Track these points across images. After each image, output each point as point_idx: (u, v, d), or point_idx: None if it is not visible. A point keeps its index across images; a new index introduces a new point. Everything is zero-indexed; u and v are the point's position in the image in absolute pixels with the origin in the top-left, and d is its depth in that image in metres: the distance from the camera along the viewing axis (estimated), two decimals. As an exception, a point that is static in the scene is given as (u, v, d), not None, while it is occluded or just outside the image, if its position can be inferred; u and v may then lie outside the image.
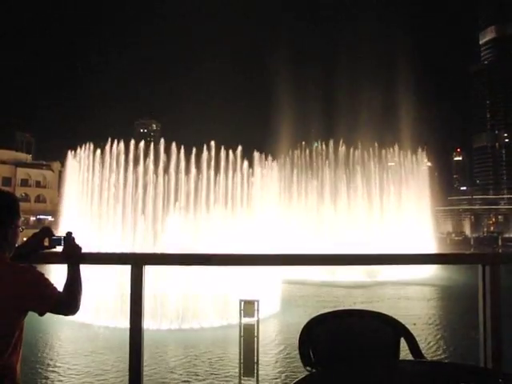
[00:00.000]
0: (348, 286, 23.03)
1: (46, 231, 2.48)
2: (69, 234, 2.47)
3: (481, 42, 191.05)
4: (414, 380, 2.32)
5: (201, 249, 19.40)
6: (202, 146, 23.73)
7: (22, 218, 2.35)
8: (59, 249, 2.45)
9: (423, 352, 2.76)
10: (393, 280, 25.13)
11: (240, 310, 3.15)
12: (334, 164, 37.22)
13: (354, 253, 3.45)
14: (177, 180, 22.55)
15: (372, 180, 36.63)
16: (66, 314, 2.29)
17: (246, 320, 3.11)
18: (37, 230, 2.49)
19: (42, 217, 59.46)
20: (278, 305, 15.68)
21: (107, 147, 22.54)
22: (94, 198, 21.44)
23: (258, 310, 3.17)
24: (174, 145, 23.93)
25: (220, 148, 23.65)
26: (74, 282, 2.34)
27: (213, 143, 24.08)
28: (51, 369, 10.16)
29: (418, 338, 2.80)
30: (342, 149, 38.00)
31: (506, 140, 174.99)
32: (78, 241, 2.46)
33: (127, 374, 2.62)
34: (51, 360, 10.85)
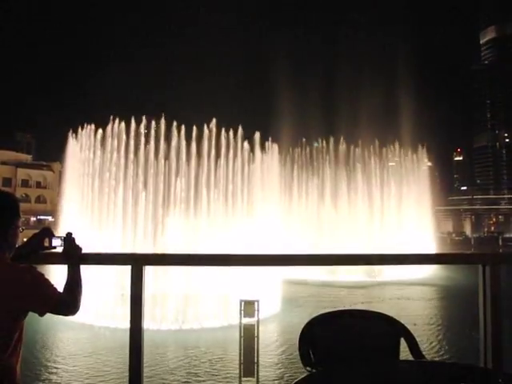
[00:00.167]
0: (348, 286, 23.03)
1: (46, 232, 2.48)
2: (69, 234, 2.47)
3: (481, 42, 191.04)
4: (414, 380, 2.32)
5: (201, 242, 19.53)
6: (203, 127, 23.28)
7: (23, 219, 2.36)
8: (59, 249, 2.45)
9: (423, 352, 2.77)
10: (393, 280, 25.14)
11: (240, 311, 3.15)
12: (333, 163, 37.21)
13: (354, 253, 3.45)
14: (178, 165, 22.17)
15: (372, 180, 36.62)
16: (66, 314, 2.30)
17: (246, 320, 3.11)
18: (37, 231, 2.49)
19: (42, 217, 59.49)
20: (278, 305, 15.68)
21: (109, 127, 22.27)
22: (95, 179, 21.29)
23: (258, 310, 3.17)
24: (174, 125, 23.34)
25: (220, 132, 23.16)
26: (74, 282, 2.35)
27: (214, 121, 23.54)
28: (51, 370, 10.16)
29: (418, 338, 2.81)
30: (343, 147, 37.99)
31: (507, 140, 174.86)
32: (78, 241, 2.47)
33: (127, 374, 2.62)
34: (51, 361, 10.85)
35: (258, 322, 3.11)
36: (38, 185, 67.70)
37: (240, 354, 3.06)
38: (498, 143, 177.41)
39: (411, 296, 21.00)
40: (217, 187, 21.67)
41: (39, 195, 67.22)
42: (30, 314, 2.17)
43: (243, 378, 3.08)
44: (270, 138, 24.27)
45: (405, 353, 2.78)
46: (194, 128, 23.21)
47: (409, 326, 2.86)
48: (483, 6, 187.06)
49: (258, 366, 3.06)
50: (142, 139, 22.41)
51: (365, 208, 35.40)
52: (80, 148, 22.03)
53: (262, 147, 23.46)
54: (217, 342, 12.09)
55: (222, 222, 20.28)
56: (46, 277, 2.19)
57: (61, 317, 2.34)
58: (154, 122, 23.14)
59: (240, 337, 3.06)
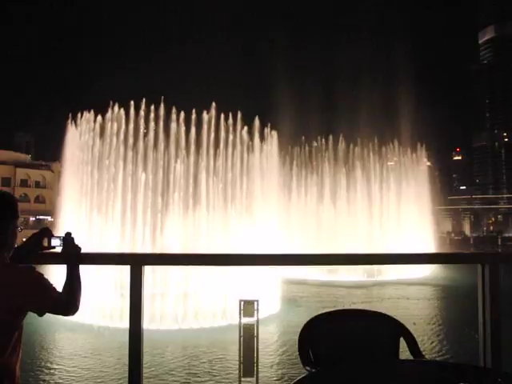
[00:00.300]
0: (348, 286, 23.04)
1: (46, 232, 2.48)
2: (68, 234, 2.47)
3: (480, 42, 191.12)
4: (414, 380, 2.32)
5: (200, 231, 19.60)
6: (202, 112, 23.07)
7: (21, 219, 2.35)
8: (58, 249, 2.45)
9: (423, 352, 2.77)
10: (393, 280, 25.18)
11: (240, 310, 3.15)
12: (333, 161, 37.20)
13: (354, 252, 3.46)
14: (177, 150, 22.04)
15: (371, 180, 36.62)
16: (65, 314, 2.30)
17: (245, 320, 3.11)
18: (36, 231, 2.49)
19: (41, 217, 59.43)
20: (277, 305, 15.69)
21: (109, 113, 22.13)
22: (95, 166, 21.22)
23: (257, 310, 3.16)
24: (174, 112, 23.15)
25: (220, 117, 23.00)
26: (73, 282, 2.35)
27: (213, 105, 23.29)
28: (50, 370, 10.15)
29: (417, 338, 2.81)
30: (342, 145, 37.98)
31: (506, 139, 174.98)
32: (77, 241, 2.47)
33: (127, 374, 2.62)
34: (50, 361, 10.84)
35: (257, 321, 3.10)
36: (37, 184, 67.62)
37: (239, 353, 3.05)
38: (497, 143, 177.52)
39: (411, 296, 21.02)
40: (216, 175, 21.71)
41: (38, 195, 67.13)
42: (30, 313, 2.17)
43: (243, 378, 3.07)
44: (268, 125, 23.77)
45: (405, 353, 2.78)
46: (193, 113, 23.06)
47: (408, 326, 2.86)
48: (482, 5, 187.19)
49: (257, 366, 3.05)
50: (142, 124, 22.27)
51: (364, 208, 35.41)
52: (79, 135, 21.84)
53: (261, 134, 23.21)
54: (216, 341, 12.09)
55: (220, 215, 20.39)
56: (46, 277, 2.19)
57: (60, 317, 2.34)
58: (153, 108, 22.75)
59: (239, 337, 3.05)
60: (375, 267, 24.36)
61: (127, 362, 2.62)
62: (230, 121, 22.87)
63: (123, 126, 21.95)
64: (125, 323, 2.73)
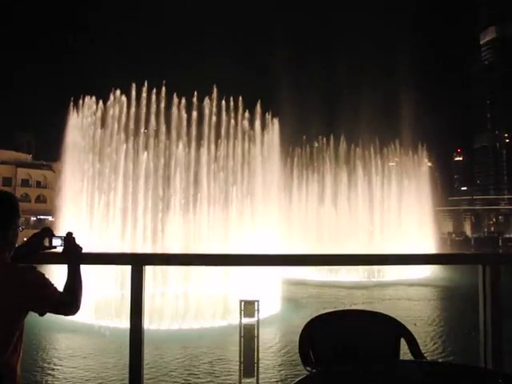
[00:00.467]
0: (348, 287, 23.04)
1: (47, 231, 2.48)
2: (69, 234, 2.47)
3: (481, 42, 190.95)
4: (414, 380, 2.32)
5: (201, 221, 19.69)
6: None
7: (23, 218, 2.36)
8: (59, 249, 2.46)
9: (423, 352, 2.77)
10: (393, 280, 25.17)
11: (240, 310, 3.15)
12: (334, 162, 37.19)
13: (355, 253, 3.45)
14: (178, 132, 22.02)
15: (373, 181, 36.61)
16: (66, 314, 2.30)
17: (246, 320, 3.11)
18: (37, 230, 2.50)
19: (42, 217, 59.46)
20: (278, 305, 15.68)
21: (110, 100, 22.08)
22: (95, 154, 21.25)
23: (258, 310, 3.16)
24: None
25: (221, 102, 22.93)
26: (74, 282, 2.35)
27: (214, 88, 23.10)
28: (50, 370, 10.14)
29: (418, 339, 2.81)
30: (343, 146, 37.98)
31: (507, 140, 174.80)
32: (78, 240, 2.47)
33: (127, 374, 2.62)
34: (51, 361, 10.84)
35: (258, 322, 3.10)
36: (38, 184, 67.68)
37: (240, 354, 3.05)
38: (498, 143, 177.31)
39: (411, 296, 21.01)
40: (217, 162, 21.77)
41: (39, 195, 67.18)
42: (30, 313, 2.17)
43: (243, 379, 3.07)
44: (270, 112, 23.39)
45: (405, 353, 2.79)
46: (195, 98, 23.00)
47: (409, 326, 2.86)
48: (483, 6, 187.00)
49: (258, 366, 3.05)
50: (143, 110, 22.21)
51: (365, 209, 35.40)
52: (81, 122, 21.76)
53: (263, 120, 23.06)
54: (217, 342, 12.08)
55: (221, 206, 20.55)
56: (47, 276, 2.19)
57: (60, 316, 2.34)
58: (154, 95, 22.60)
59: (240, 337, 3.05)
60: (376, 268, 24.40)
61: (128, 362, 2.62)
62: (232, 108, 22.87)
63: (124, 110, 21.95)
64: (125, 323, 2.73)
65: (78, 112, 21.81)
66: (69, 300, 2.27)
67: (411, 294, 21.70)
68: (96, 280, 14.99)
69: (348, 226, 33.60)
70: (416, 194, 36.44)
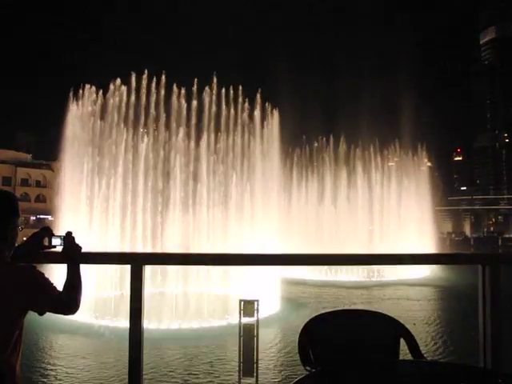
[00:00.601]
0: (348, 286, 23.06)
1: (46, 231, 2.48)
2: (69, 233, 2.47)
3: (481, 42, 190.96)
4: (414, 380, 2.32)
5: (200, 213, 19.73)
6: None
7: (22, 218, 2.36)
8: (59, 248, 2.45)
9: (423, 352, 2.77)
10: (393, 280, 25.20)
11: (240, 310, 3.15)
12: (334, 162, 37.20)
13: (355, 253, 3.46)
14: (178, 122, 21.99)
15: (372, 181, 36.62)
16: (65, 313, 2.30)
17: (245, 320, 3.11)
18: (37, 230, 2.49)
19: (42, 216, 59.48)
20: (277, 305, 15.69)
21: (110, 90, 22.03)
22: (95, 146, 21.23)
23: (257, 310, 3.17)
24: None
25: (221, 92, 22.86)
26: (73, 281, 2.35)
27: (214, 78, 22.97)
28: (50, 370, 10.14)
29: (417, 339, 2.81)
30: (343, 146, 37.98)
31: (507, 140, 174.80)
32: (77, 240, 2.47)
33: (127, 374, 2.61)
34: (50, 361, 10.84)
35: (257, 321, 3.10)
36: (38, 184, 67.69)
37: (239, 353, 3.05)
38: (497, 143, 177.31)
39: (411, 296, 21.02)
40: (217, 154, 21.80)
41: (39, 194, 67.20)
42: (30, 313, 2.17)
43: (243, 379, 3.07)
44: (269, 104, 23.21)
45: (405, 353, 2.78)
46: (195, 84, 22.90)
47: (408, 326, 2.86)
48: (483, 6, 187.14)
49: (257, 365, 3.05)
50: (143, 99, 22.17)
51: (364, 208, 35.41)
52: (80, 113, 21.70)
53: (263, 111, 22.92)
54: (216, 341, 12.09)
55: (221, 200, 20.64)
56: (46, 276, 2.19)
57: (60, 316, 2.34)
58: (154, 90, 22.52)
59: (239, 336, 3.05)
60: (375, 268, 24.42)
61: (127, 362, 2.62)
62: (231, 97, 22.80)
63: (124, 99, 21.92)
64: (125, 323, 2.72)
65: (77, 102, 21.77)
66: (68, 299, 2.27)
67: (411, 293, 21.72)
68: (95, 279, 14.99)
69: (348, 225, 33.60)
70: (415, 193, 36.46)
